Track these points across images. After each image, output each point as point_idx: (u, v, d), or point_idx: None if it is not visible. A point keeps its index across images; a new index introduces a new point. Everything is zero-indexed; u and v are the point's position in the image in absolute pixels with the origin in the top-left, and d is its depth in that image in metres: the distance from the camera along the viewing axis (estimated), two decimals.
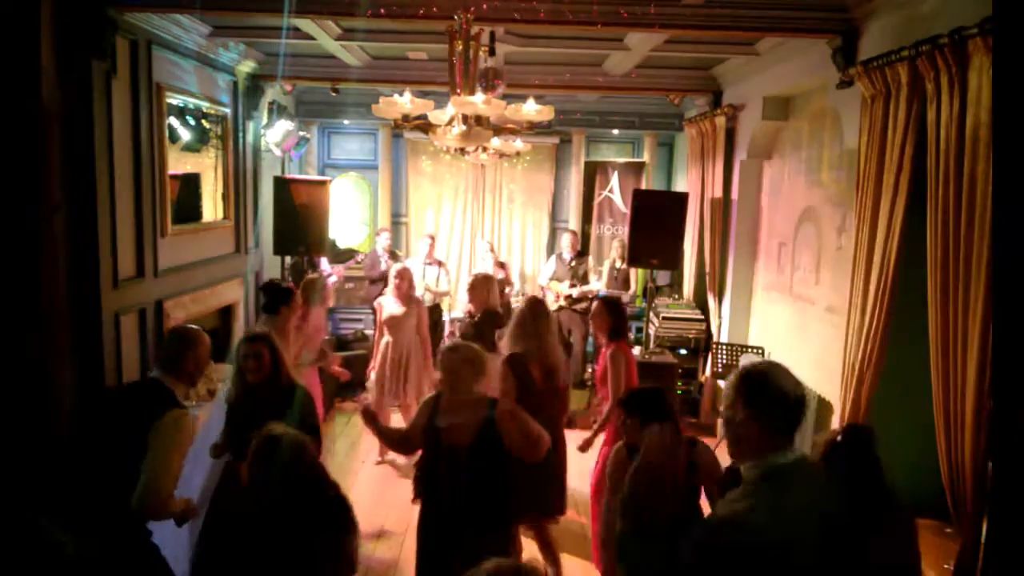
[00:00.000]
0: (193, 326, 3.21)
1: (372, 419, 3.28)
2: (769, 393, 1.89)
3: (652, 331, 6.95)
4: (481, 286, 5.03)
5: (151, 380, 3.03)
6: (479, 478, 3.00)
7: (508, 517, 3.20)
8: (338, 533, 2.49)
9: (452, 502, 3.03)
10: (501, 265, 7.83)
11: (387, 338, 5.64)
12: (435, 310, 7.51)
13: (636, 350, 6.85)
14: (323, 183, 7.05)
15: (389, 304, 5.65)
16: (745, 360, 2.54)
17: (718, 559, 1.81)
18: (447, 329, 8.15)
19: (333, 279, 7.98)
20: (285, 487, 2.45)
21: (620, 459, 3.03)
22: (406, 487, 5.29)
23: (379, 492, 5.29)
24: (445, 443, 3.06)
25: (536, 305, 4.15)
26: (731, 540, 1.81)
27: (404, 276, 5.66)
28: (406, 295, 5.63)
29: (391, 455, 5.73)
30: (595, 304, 4.47)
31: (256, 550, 2.43)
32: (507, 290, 7.67)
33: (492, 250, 7.96)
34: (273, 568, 2.40)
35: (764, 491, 1.85)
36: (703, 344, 6.91)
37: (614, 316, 4.33)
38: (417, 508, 3.25)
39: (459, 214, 9.32)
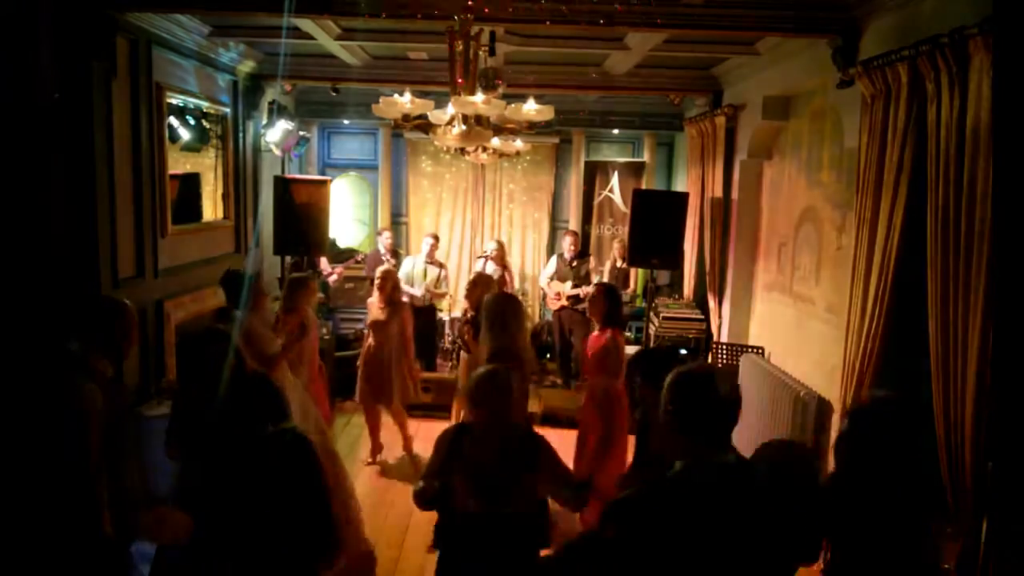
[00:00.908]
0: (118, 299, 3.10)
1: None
2: (691, 399, 1.97)
3: (652, 331, 6.95)
4: (481, 285, 5.09)
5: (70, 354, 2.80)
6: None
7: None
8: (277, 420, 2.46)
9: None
10: (504, 265, 7.83)
11: (370, 340, 5.57)
12: (430, 311, 7.51)
13: (634, 349, 6.87)
14: (323, 183, 7.05)
15: (373, 307, 5.59)
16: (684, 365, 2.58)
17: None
18: (446, 329, 8.16)
19: (333, 278, 8.00)
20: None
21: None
22: (404, 487, 5.34)
23: (380, 492, 5.29)
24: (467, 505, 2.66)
25: (506, 301, 4.10)
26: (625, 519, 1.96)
27: (388, 278, 5.55)
28: (389, 297, 5.52)
29: (381, 456, 5.73)
30: (593, 288, 4.50)
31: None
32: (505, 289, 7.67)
33: (500, 247, 7.92)
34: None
35: (662, 488, 1.97)
36: (703, 344, 6.91)
37: (609, 302, 4.38)
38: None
39: (459, 214, 9.32)
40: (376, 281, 5.53)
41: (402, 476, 5.48)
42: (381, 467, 5.70)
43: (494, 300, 4.03)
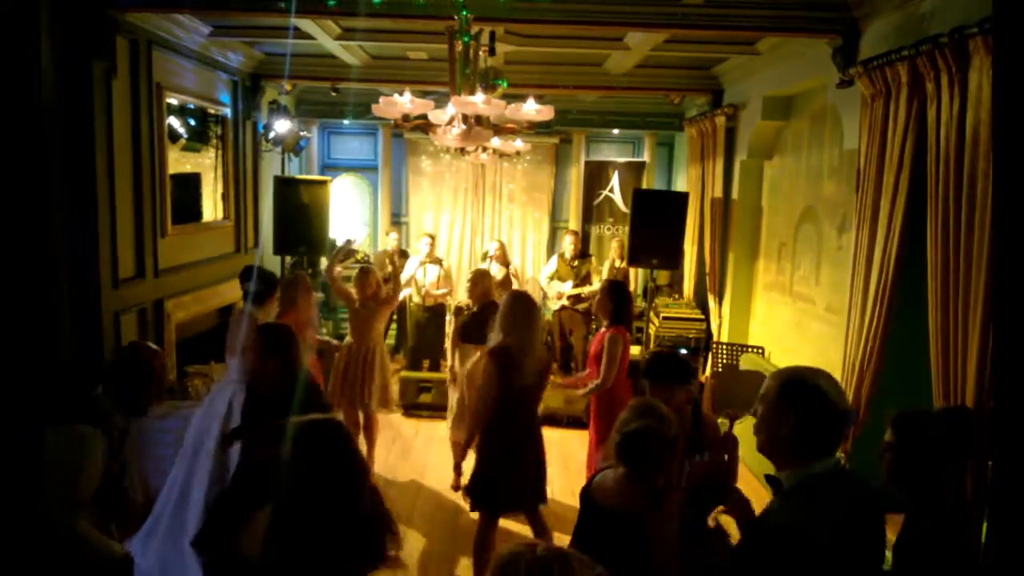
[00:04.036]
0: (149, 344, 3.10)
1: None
2: (818, 404, 1.86)
3: (652, 331, 6.94)
4: (480, 280, 5.16)
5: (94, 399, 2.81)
6: None
7: None
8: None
9: None
10: (507, 264, 7.83)
11: (348, 339, 5.30)
12: (439, 309, 7.51)
13: (636, 349, 6.86)
14: (323, 183, 7.05)
15: (353, 305, 5.29)
16: (787, 366, 2.73)
17: (767, 567, 1.81)
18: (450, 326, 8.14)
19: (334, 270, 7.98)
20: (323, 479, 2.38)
21: None
22: (405, 487, 5.34)
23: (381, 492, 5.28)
24: None
25: (521, 299, 4.04)
26: (780, 549, 1.79)
27: (367, 275, 5.26)
28: (373, 295, 5.23)
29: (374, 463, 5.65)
30: (600, 285, 4.48)
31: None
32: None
33: (502, 247, 7.90)
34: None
35: (802, 501, 1.84)
36: (703, 344, 6.91)
37: (615, 300, 4.33)
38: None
39: (459, 214, 9.32)
40: (357, 281, 5.24)
41: (396, 478, 5.45)
42: (384, 467, 5.65)
43: (513, 298, 3.99)
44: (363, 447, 5.46)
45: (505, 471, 3.63)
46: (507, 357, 3.65)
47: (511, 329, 3.76)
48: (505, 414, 3.64)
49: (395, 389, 5.62)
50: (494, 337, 3.87)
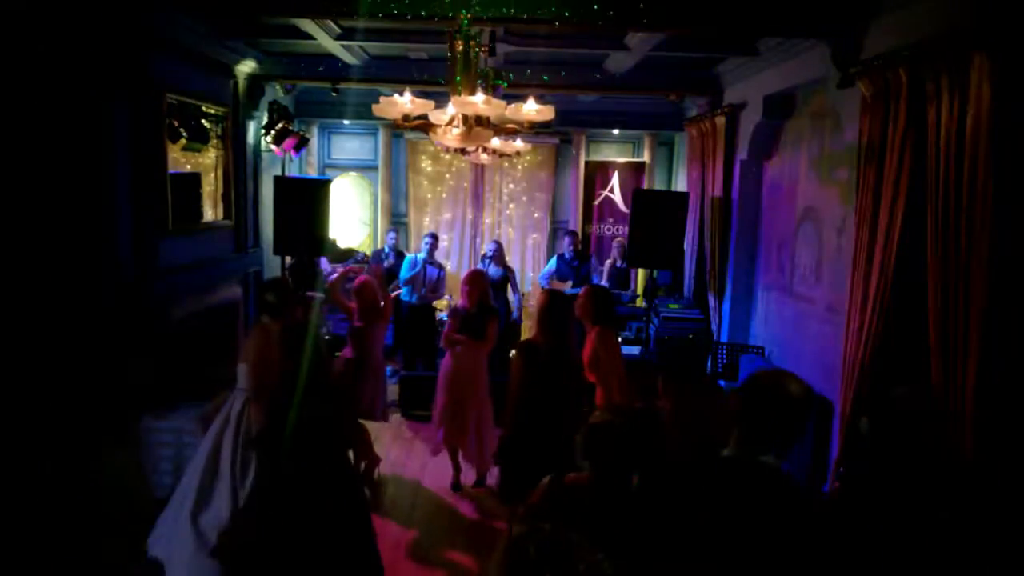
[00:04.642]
0: None
1: None
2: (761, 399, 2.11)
3: (652, 331, 6.94)
4: (477, 282, 5.15)
5: None
6: None
7: None
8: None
9: None
10: (506, 266, 7.82)
11: (348, 354, 5.18)
12: (428, 310, 7.50)
13: (636, 349, 6.86)
14: (323, 183, 7.05)
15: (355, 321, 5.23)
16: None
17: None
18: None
19: (333, 277, 7.99)
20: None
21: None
22: (405, 487, 5.34)
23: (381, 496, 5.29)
24: None
25: (556, 299, 4.20)
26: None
27: (367, 289, 5.19)
28: (371, 306, 5.19)
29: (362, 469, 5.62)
30: (582, 290, 4.50)
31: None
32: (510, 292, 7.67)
33: (499, 249, 7.90)
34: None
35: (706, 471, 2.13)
36: (703, 344, 6.90)
37: (596, 305, 4.32)
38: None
39: (459, 214, 9.32)
40: (354, 295, 5.19)
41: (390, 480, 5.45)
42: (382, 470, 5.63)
43: (551, 297, 4.17)
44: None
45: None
46: (533, 351, 3.74)
47: (544, 327, 3.96)
48: (533, 409, 3.81)
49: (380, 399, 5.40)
50: (534, 334, 4.07)
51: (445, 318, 8.06)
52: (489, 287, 5.33)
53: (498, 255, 7.63)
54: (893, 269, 3.74)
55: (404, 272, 7.33)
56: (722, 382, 5.80)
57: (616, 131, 9.04)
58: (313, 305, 4.89)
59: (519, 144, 5.18)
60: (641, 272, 8.15)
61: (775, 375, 2.22)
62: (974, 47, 3.10)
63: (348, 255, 8.61)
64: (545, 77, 6.86)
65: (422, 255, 7.42)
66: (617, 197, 9.16)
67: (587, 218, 9.25)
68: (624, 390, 4.29)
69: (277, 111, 7.11)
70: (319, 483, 2.46)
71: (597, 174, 9.22)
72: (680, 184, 8.69)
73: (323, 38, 5.61)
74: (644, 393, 3.45)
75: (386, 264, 7.63)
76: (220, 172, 6.44)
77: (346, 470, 2.62)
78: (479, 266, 7.83)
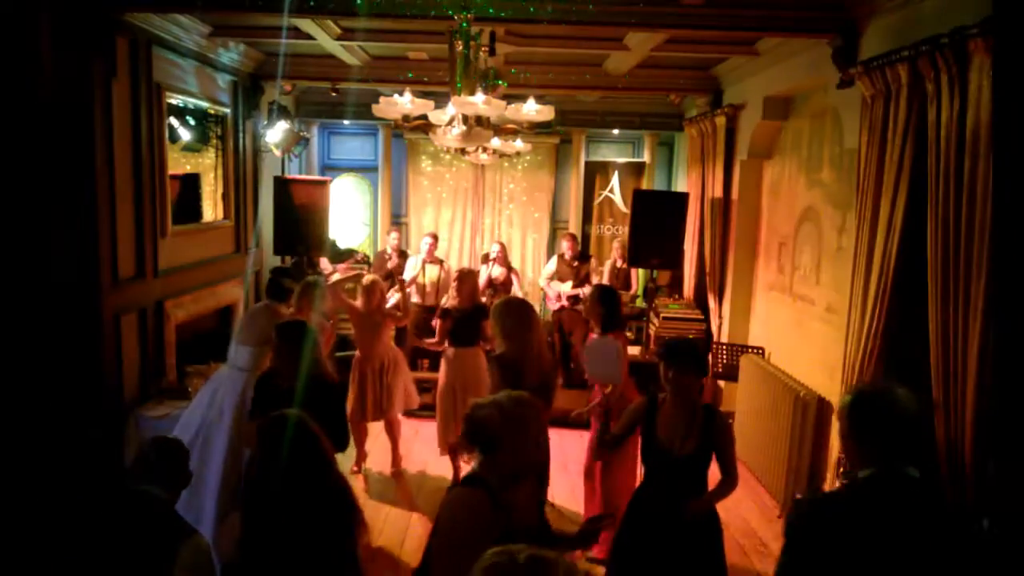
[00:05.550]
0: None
1: None
2: (870, 417, 2.04)
3: (652, 331, 6.94)
4: (466, 279, 5.16)
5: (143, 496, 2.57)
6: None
7: None
8: (341, 529, 2.48)
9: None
10: (509, 266, 7.82)
11: (356, 353, 5.36)
12: (426, 309, 7.50)
13: (636, 349, 6.86)
14: (323, 183, 7.05)
15: (358, 315, 5.30)
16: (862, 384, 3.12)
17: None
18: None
19: (335, 277, 8.00)
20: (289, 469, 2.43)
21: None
22: (405, 487, 5.34)
23: (379, 493, 5.29)
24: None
25: (511, 306, 4.02)
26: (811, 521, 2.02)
27: (375, 288, 5.30)
28: (377, 306, 5.29)
29: (366, 465, 5.61)
30: (589, 292, 4.47)
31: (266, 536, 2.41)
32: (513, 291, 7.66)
33: (503, 249, 7.89)
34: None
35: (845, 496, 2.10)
36: (703, 344, 6.91)
37: (606, 306, 4.30)
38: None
39: (459, 214, 9.32)
40: (361, 294, 5.28)
41: (388, 486, 5.41)
42: (366, 476, 5.52)
43: (504, 306, 3.95)
44: (356, 449, 5.50)
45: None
46: (508, 363, 3.68)
47: (507, 336, 3.79)
48: None
49: (412, 388, 5.64)
50: (497, 345, 3.90)
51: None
52: (478, 285, 5.33)
53: (501, 256, 7.64)
54: (893, 269, 3.73)
55: (407, 274, 7.34)
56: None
57: (616, 131, 9.04)
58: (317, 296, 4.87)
59: (519, 144, 5.18)
60: (641, 272, 8.15)
61: (876, 387, 2.23)
62: (974, 47, 3.10)
63: (348, 255, 8.62)
64: (550, 75, 6.87)
65: (421, 255, 7.43)
66: (617, 197, 9.16)
67: (587, 218, 9.25)
68: (630, 391, 4.28)
69: (277, 111, 7.11)
70: (306, 478, 2.45)
71: (597, 174, 9.22)
72: (680, 184, 8.69)
73: (323, 38, 5.61)
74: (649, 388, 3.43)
75: (389, 265, 7.62)
76: (220, 172, 6.44)
77: (332, 470, 2.61)
78: (482, 267, 7.83)
